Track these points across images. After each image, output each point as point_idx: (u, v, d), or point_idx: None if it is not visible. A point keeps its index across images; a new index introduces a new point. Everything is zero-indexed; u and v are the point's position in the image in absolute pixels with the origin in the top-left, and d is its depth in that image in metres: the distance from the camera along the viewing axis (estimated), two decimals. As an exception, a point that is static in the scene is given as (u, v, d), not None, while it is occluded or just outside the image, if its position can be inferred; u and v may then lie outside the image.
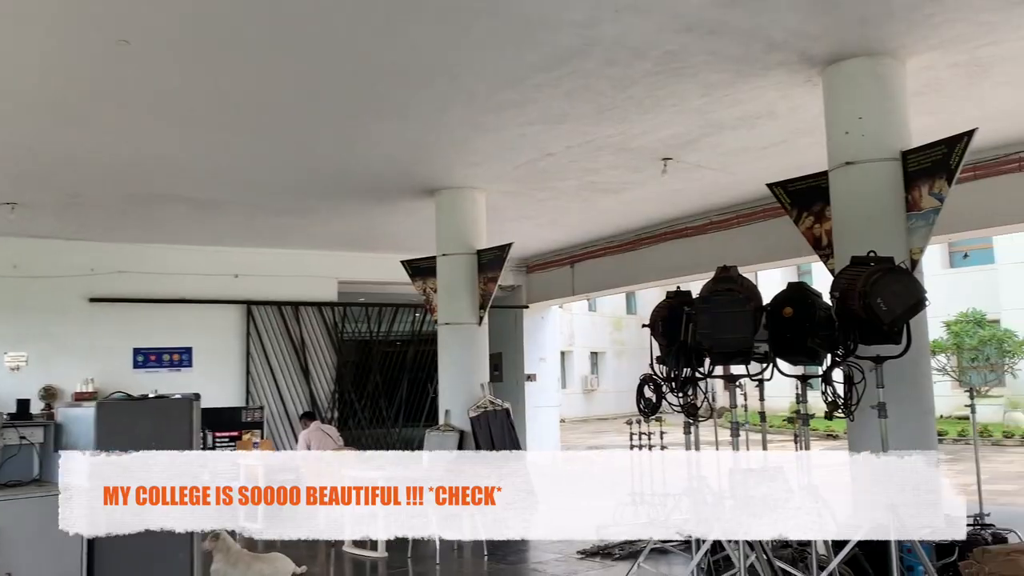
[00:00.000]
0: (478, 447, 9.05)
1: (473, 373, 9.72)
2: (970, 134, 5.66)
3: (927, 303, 4.76)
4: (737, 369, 5.36)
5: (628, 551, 7.41)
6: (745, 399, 7.26)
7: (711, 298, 4.47)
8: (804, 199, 6.90)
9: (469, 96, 6.82)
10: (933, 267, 25.66)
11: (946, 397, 16.69)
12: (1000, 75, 6.54)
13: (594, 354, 36.73)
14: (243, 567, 6.26)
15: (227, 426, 12.08)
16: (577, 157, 8.63)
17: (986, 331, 23.50)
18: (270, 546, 7.53)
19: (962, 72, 6.45)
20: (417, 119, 7.41)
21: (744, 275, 4.79)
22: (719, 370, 5.37)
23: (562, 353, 34.05)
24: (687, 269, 11.66)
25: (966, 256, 18.57)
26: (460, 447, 9.14)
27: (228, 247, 13.05)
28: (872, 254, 4.86)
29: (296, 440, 11.01)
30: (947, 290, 25.06)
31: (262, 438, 11.79)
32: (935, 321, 23.79)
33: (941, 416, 10.17)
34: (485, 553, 7.60)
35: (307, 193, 10.02)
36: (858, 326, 4.69)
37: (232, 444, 11.69)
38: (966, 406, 7.37)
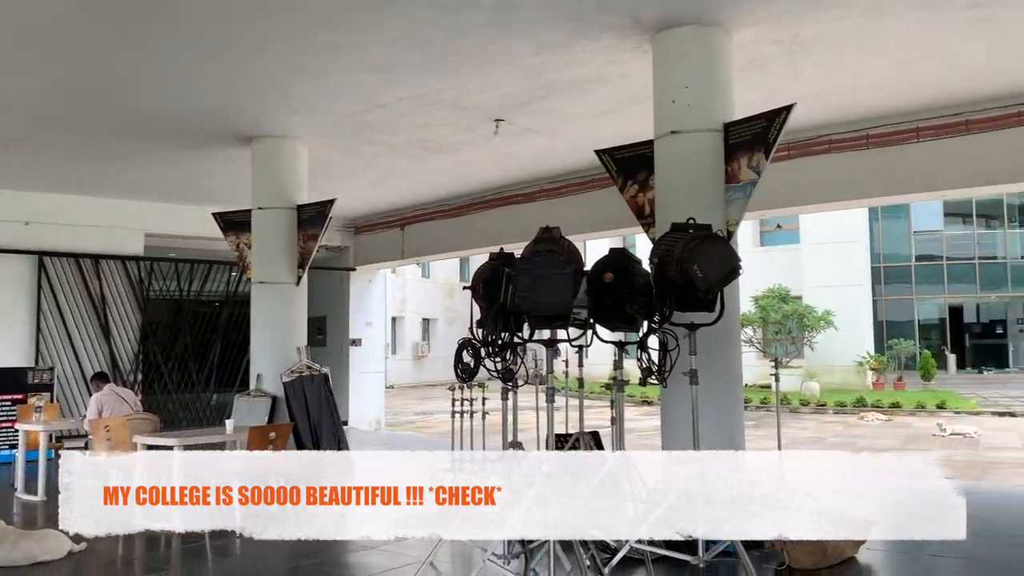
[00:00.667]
0: (291, 414, 8.57)
1: (289, 336, 9.18)
2: (788, 109, 5.79)
3: (741, 271, 4.82)
4: (559, 334, 5.24)
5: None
6: (567, 365, 7.25)
7: (532, 259, 4.29)
8: (630, 167, 6.90)
9: (288, 35, 6.30)
10: (744, 244, 27.16)
11: (751, 367, 17.77)
12: (818, 55, 6.76)
13: (426, 320, 36.59)
14: (8, 547, 5.58)
15: (11, 389, 10.94)
16: (407, 111, 8.26)
17: (789, 306, 25.31)
18: (49, 520, 6.78)
19: (784, 49, 6.61)
20: (231, 58, 6.79)
21: (569, 239, 4.64)
22: (543, 335, 5.25)
23: (393, 319, 33.70)
24: (517, 236, 11.47)
25: (778, 227, 19.68)
26: (272, 414, 8.62)
27: (16, 191, 11.68)
28: (691, 221, 4.86)
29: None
30: (756, 267, 26.73)
31: (51, 401, 10.72)
32: (744, 295, 25.35)
33: (747, 384, 10.74)
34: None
35: (108, 134, 9.04)
36: (675, 293, 4.67)
37: (14, 408, 10.56)
38: (770, 375, 7.69)
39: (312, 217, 9.22)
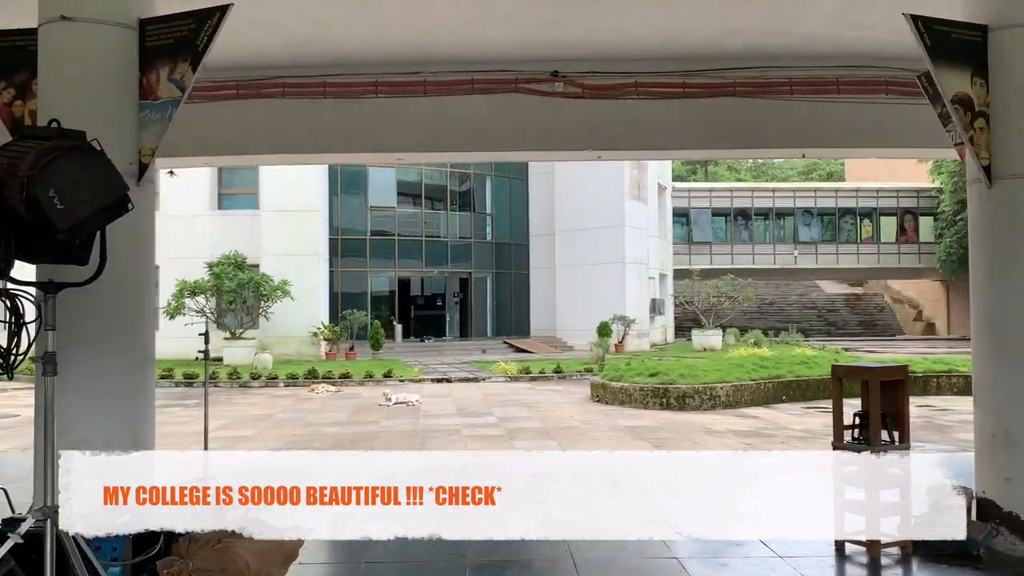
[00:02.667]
0: None
1: None
2: (223, 10, 4.54)
3: (132, 206, 3.36)
4: None
5: None
6: None
7: None
8: (3, 63, 4.96)
9: None
10: (200, 206, 25.40)
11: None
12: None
13: None
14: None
15: None
16: None
17: (246, 275, 24.15)
18: None
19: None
20: None
21: None
22: None
23: None
24: None
25: (172, 173, 17.79)
26: None
27: None
28: (55, 124, 3.25)
29: None
30: (214, 232, 25.08)
31: None
32: (198, 261, 23.50)
33: (197, 358, 9.39)
34: None
35: None
36: (19, 231, 3.04)
37: None
38: (198, 351, 6.38)
39: None
